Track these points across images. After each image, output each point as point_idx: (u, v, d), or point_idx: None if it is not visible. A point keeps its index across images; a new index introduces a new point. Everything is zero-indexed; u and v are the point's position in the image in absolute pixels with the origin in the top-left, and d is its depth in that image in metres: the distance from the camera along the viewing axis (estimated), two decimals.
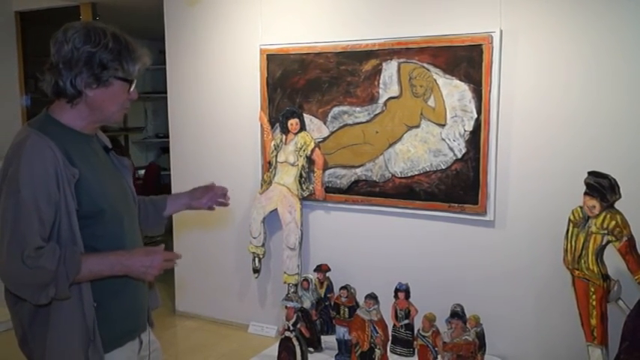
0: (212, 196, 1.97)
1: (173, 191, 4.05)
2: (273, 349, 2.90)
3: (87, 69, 1.50)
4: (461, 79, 2.99)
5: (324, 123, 3.40)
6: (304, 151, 3.39)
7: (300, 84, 3.44)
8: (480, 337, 2.65)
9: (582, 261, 2.45)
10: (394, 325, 2.89)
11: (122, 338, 1.64)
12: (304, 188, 3.42)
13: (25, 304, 1.52)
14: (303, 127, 3.42)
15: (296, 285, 3.36)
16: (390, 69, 3.18)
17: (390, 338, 2.82)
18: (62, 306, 1.50)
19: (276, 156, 3.48)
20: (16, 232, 1.43)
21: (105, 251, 1.55)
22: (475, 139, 2.99)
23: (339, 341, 2.90)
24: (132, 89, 1.59)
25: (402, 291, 2.87)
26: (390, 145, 3.22)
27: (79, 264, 1.46)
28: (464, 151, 3.03)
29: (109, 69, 1.52)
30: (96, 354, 1.54)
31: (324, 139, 3.41)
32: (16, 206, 1.43)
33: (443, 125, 3.07)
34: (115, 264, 1.53)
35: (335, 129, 3.38)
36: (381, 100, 3.22)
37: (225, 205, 2.01)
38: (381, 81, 3.21)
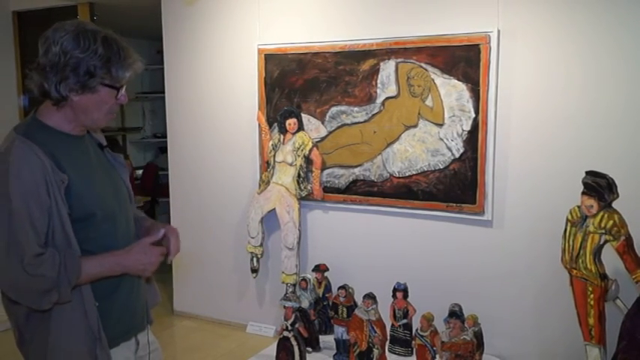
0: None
1: (171, 192, 4.05)
2: (272, 349, 2.91)
3: (73, 75, 1.45)
4: (459, 79, 2.99)
5: (322, 123, 3.40)
6: (302, 150, 3.38)
7: (298, 84, 3.44)
8: (478, 336, 2.65)
9: (580, 260, 2.45)
10: (392, 325, 2.90)
11: (117, 338, 1.63)
12: (302, 188, 3.42)
13: (20, 306, 1.51)
14: (301, 127, 3.42)
15: (294, 285, 3.36)
16: (387, 69, 3.18)
17: (389, 338, 2.83)
18: (63, 308, 1.50)
19: (274, 156, 3.48)
20: (12, 243, 1.42)
21: (101, 253, 1.55)
22: (473, 139, 2.99)
23: (337, 341, 2.91)
24: (120, 95, 1.55)
25: (401, 290, 2.88)
26: (388, 145, 3.22)
27: (79, 268, 1.47)
28: (462, 150, 3.03)
29: (96, 76, 1.47)
30: (104, 352, 1.55)
31: (322, 138, 3.41)
32: (10, 217, 1.42)
33: (441, 125, 3.07)
34: (114, 265, 1.56)
35: (333, 129, 3.38)
36: (379, 100, 3.22)
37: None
38: (378, 81, 3.21)
